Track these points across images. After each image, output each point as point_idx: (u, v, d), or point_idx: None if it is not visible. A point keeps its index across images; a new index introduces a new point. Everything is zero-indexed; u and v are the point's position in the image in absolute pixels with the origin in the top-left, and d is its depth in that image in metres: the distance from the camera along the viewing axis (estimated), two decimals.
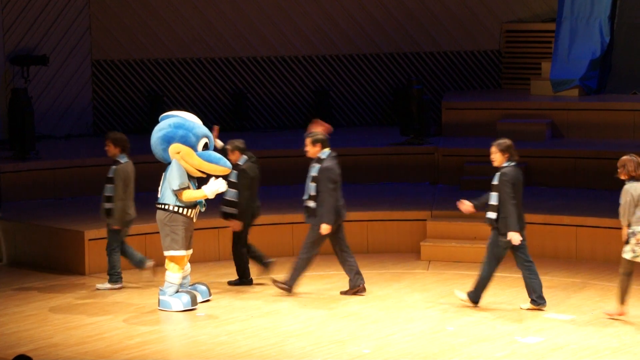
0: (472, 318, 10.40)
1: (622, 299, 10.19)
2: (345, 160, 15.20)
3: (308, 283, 11.69)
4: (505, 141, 10.63)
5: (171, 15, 16.96)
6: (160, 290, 10.67)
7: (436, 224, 12.88)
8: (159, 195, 10.68)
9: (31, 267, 12.22)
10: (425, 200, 13.72)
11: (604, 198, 13.67)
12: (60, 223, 12.48)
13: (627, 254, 10.09)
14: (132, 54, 16.87)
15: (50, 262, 12.22)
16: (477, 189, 14.24)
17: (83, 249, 12.02)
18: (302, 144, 15.57)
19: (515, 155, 10.61)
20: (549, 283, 11.62)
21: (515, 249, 10.63)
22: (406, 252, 12.86)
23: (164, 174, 10.65)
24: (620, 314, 10.23)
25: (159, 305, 10.64)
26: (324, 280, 11.80)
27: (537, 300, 10.59)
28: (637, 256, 10.08)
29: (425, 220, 12.96)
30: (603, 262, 12.37)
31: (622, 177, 10.19)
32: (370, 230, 13.08)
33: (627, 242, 10.08)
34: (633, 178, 10.14)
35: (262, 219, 12.90)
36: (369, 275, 12.04)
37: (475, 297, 10.67)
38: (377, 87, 17.57)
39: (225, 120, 17.11)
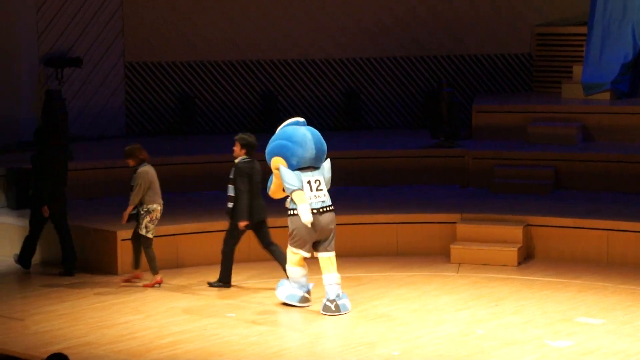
0: (501, 321, 10.41)
1: (137, 264, 11.66)
2: (375, 162, 15.27)
3: None
4: None
5: (203, 18, 17.06)
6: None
7: (466, 226, 12.89)
8: (322, 199, 10.83)
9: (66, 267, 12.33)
10: (455, 203, 13.72)
11: (635, 202, 13.63)
12: (93, 223, 12.60)
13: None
14: (164, 56, 16.98)
15: (84, 262, 12.32)
16: (508, 192, 14.29)
17: (115, 248, 12.13)
18: (333, 146, 15.63)
19: None
20: (579, 287, 11.62)
21: None
22: (436, 255, 12.87)
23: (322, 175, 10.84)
24: (138, 276, 11.62)
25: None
26: (353, 282, 11.83)
27: None
28: (149, 231, 11.53)
29: (455, 223, 12.96)
30: (634, 267, 12.32)
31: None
32: (400, 232, 13.10)
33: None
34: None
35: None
36: (399, 277, 12.07)
37: None
38: (408, 89, 17.59)
39: (255, 121, 17.19)
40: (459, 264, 12.58)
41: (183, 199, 13.78)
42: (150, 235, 11.56)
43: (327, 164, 10.94)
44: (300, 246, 10.70)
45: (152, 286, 11.57)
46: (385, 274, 12.18)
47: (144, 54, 16.88)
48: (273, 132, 10.75)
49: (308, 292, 10.85)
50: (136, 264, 11.74)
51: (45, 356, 7.10)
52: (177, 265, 12.33)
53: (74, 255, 12.11)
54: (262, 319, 10.63)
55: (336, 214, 13.14)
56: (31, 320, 10.45)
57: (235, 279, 11.67)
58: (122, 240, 12.15)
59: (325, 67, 17.46)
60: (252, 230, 11.50)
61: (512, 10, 17.46)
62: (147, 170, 11.56)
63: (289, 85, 17.38)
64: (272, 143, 10.81)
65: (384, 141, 16.09)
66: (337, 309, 10.62)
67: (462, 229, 12.87)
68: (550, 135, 15.34)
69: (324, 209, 10.79)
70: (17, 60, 15.58)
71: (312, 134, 10.79)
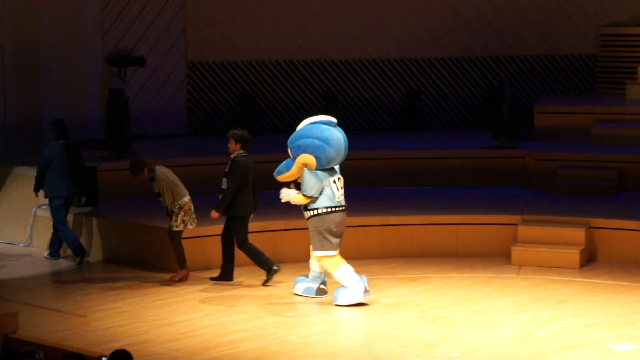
0: (563, 324, 10.30)
1: (183, 262, 11.80)
2: (436, 163, 15.20)
3: (396, 286, 11.70)
4: None
5: (264, 17, 17.12)
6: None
7: (527, 228, 12.78)
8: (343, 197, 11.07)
9: (126, 264, 12.44)
10: (517, 204, 13.61)
11: None
12: (154, 221, 12.68)
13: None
14: (226, 55, 17.08)
15: (144, 260, 12.43)
16: (570, 193, 14.14)
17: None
18: (393, 146, 15.59)
19: None
20: None
21: None
22: (496, 257, 12.77)
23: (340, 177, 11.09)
24: (186, 275, 11.77)
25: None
26: (413, 283, 11.80)
27: None
28: (187, 224, 11.74)
29: (516, 224, 12.85)
30: None
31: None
32: (461, 233, 13.02)
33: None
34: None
35: (350, 220, 12.97)
36: (459, 278, 11.99)
37: None
38: (469, 90, 17.49)
39: None
40: (520, 265, 12.47)
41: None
42: (181, 228, 11.75)
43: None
44: (332, 247, 10.87)
45: (180, 280, 11.68)
46: (445, 275, 12.12)
47: (206, 53, 16.99)
48: None
49: (366, 282, 10.96)
50: (182, 263, 11.85)
51: (107, 353, 7.17)
52: (236, 264, 12.36)
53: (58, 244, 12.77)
54: (321, 318, 10.63)
55: (397, 214, 13.20)
56: (93, 317, 10.57)
57: (294, 278, 11.68)
58: (183, 238, 12.23)
59: (387, 67, 17.42)
60: (231, 221, 11.66)
61: (576, 10, 17.27)
62: (164, 171, 11.78)
63: (350, 85, 17.37)
64: (306, 139, 10.90)
65: (445, 141, 16.01)
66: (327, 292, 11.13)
67: (524, 230, 12.76)
68: (614, 137, 15.15)
69: (345, 207, 11.08)
70: (82, 59, 15.78)
71: (344, 138, 11.04)
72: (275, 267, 11.60)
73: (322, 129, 10.94)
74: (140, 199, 13.88)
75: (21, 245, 13.45)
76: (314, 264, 11.19)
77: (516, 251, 12.59)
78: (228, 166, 11.60)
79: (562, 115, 15.93)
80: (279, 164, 11.36)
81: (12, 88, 15.05)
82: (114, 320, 10.43)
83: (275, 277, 11.66)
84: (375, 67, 17.39)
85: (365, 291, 10.88)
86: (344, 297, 10.88)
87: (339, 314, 10.70)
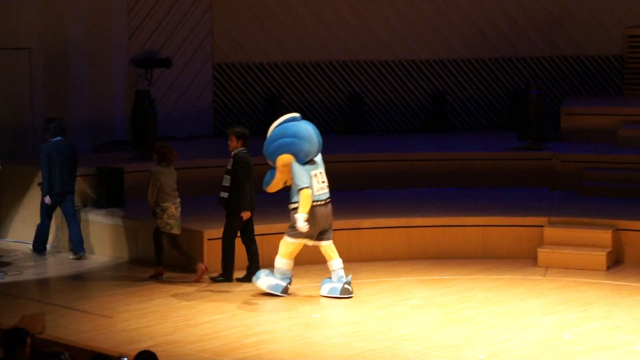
0: (590, 326, 10.25)
1: (159, 260, 11.97)
2: (462, 164, 15.17)
3: (422, 287, 11.69)
4: None
5: (290, 19, 17.14)
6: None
7: (554, 230, 12.73)
8: (326, 191, 11.25)
9: (152, 265, 12.46)
10: (543, 206, 13.56)
11: None
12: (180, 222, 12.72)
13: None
14: (251, 57, 17.11)
15: (170, 261, 12.46)
16: (597, 195, 14.07)
17: (202, 247, 12.25)
18: (419, 148, 15.55)
19: None
20: None
21: None
22: (523, 258, 12.73)
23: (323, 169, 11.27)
24: (161, 273, 11.94)
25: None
26: (439, 285, 11.78)
27: None
28: (172, 227, 11.82)
29: (542, 226, 12.80)
30: None
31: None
32: (487, 235, 12.98)
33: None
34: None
35: (376, 222, 12.97)
36: (485, 280, 11.95)
37: None
38: (495, 91, 17.43)
39: (342, 123, 17.20)
40: (546, 267, 12.42)
41: (273, 198, 13.83)
42: (175, 232, 11.89)
43: (320, 156, 11.32)
44: (303, 237, 11.05)
45: (202, 277, 11.74)
46: (471, 277, 12.09)
47: (232, 55, 17.03)
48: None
49: (290, 283, 11.25)
50: (158, 261, 11.97)
51: (132, 354, 7.18)
52: (265, 265, 12.37)
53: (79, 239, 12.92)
54: (346, 320, 10.63)
55: (422, 215, 13.18)
56: (119, 318, 10.61)
57: (320, 280, 11.68)
58: (209, 239, 12.27)
59: (412, 69, 17.39)
60: (230, 216, 11.75)
61: (604, 11, 17.17)
62: (160, 171, 11.90)
63: (376, 86, 17.35)
64: (276, 141, 11.12)
65: (471, 143, 15.96)
66: (352, 291, 11.16)
67: (550, 232, 12.71)
68: None
69: (328, 200, 11.18)
70: (109, 61, 15.85)
71: (313, 128, 11.19)
72: (229, 280, 11.68)
73: (288, 127, 11.15)
74: None
75: (47, 246, 13.51)
76: (333, 263, 11.20)
77: (542, 253, 12.54)
78: (230, 163, 11.70)
79: (589, 116, 15.84)
80: None
81: (39, 90, 15.14)
82: (140, 321, 10.47)
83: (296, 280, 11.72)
84: (401, 68, 17.36)
85: (286, 289, 11.15)
86: (264, 280, 11.17)
87: (364, 316, 10.69)
